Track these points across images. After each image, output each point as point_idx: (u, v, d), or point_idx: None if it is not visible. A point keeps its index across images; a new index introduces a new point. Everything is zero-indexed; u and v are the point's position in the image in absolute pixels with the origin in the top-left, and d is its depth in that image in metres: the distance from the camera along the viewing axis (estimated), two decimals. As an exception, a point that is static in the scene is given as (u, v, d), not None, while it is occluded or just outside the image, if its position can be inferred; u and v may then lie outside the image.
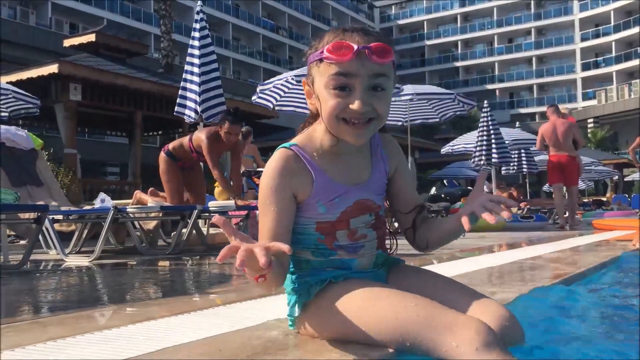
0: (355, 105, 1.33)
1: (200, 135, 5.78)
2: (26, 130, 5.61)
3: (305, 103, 10.32)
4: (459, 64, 60.34)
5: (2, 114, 9.70)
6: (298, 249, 1.45)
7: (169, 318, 1.82)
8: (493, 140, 12.41)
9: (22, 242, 6.85)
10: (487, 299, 1.40)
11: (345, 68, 1.32)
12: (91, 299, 2.62)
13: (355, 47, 1.32)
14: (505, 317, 1.32)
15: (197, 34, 7.35)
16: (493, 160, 12.46)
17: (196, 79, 7.25)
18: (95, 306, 2.29)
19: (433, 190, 14.70)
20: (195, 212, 5.02)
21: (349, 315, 1.32)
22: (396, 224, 1.62)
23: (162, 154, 6.06)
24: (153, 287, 2.97)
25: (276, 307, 1.89)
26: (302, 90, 9.85)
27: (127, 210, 4.84)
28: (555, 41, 56.21)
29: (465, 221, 1.34)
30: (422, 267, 1.63)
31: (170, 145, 6.12)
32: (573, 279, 2.62)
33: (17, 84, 10.10)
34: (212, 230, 7.00)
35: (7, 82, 9.96)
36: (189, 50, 7.42)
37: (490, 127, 12.42)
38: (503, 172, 16.10)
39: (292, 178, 1.40)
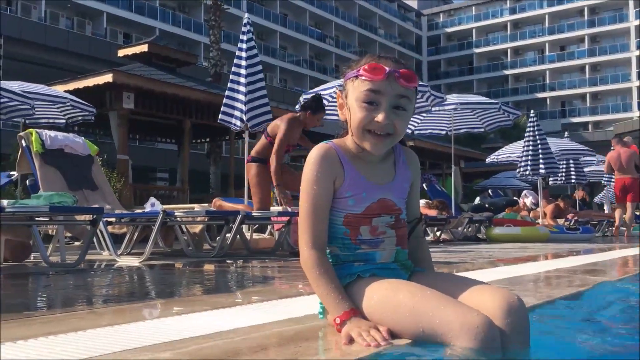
0: (379, 118, 1.56)
1: (278, 122, 5.97)
2: (83, 137, 5.94)
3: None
4: (508, 72, 59.40)
5: (60, 120, 10.23)
6: (327, 244, 1.63)
7: (211, 311, 1.99)
8: (540, 150, 12.23)
9: (77, 243, 7.22)
10: (499, 289, 1.52)
11: (376, 86, 1.56)
12: (140, 294, 2.83)
13: (387, 69, 1.56)
14: (514, 302, 1.45)
15: (244, 45, 7.58)
16: (540, 170, 12.29)
17: (242, 88, 7.48)
18: (144, 300, 2.48)
19: (477, 200, 14.58)
20: (239, 217, 5.22)
21: (372, 304, 1.50)
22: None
23: (250, 163, 6.16)
24: (197, 286, 3.15)
25: (309, 305, 2.03)
26: (346, 99, 10.13)
27: (175, 214, 5.08)
28: (610, 49, 54.70)
29: None
30: (443, 272, 1.75)
31: (253, 152, 6.21)
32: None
33: (74, 92, 10.62)
34: (255, 236, 7.21)
35: (65, 91, 10.50)
36: (235, 61, 7.66)
37: (537, 137, 12.24)
38: (551, 183, 15.81)
39: (332, 165, 1.62)
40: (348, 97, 1.62)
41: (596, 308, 2.26)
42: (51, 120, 10.29)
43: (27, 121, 9.73)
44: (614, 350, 1.55)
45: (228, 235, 5.42)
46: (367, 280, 1.56)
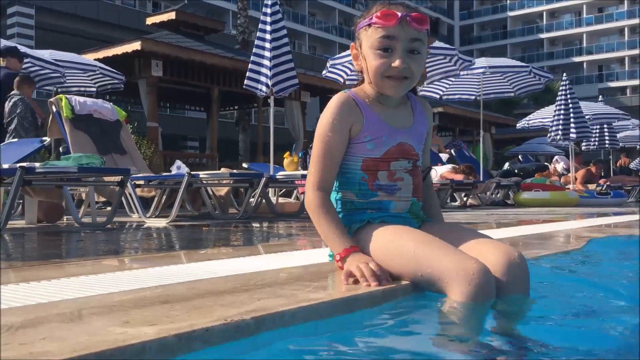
0: (396, 63, 1.60)
1: None
2: (111, 103, 6.07)
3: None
4: (543, 35, 57.71)
5: (91, 88, 10.42)
6: (343, 190, 1.70)
7: (228, 259, 2.07)
8: (571, 115, 12.00)
9: (109, 208, 7.44)
10: (502, 243, 1.57)
11: (389, 32, 1.59)
12: (164, 247, 2.94)
13: (399, 14, 1.58)
14: (514, 256, 1.50)
15: (268, 10, 7.58)
16: (571, 135, 12.08)
17: (267, 54, 7.50)
18: (167, 252, 2.58)
19: (506, 166, 14.39)
20: (263, 180, 5.30)
21: (376, 247, 1.57)
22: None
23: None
24: (219, 241, 3.26)
25: (325, 255, 2.09)
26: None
27: (200, 175, 5.19)
28: (651, 10, 52.60)
29: None
30: (452, 222, 1.79)
31: None
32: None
33: (103, 60, 10.77)
34: (281, 200, 7.32)
35: (95, 59, 10.65)
36: (260, 26, 7.67)
37: (569, 101, 12.00)
38: (583, 148, 15.51)
39: (350, 113, 1.66)
40: (362, 46, 1.65)
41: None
42: (82, 89, 10.47)
43: (58, 89, 9.94)
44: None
45: (252, 199, 5.51)
46: (375, 226, 1.62)
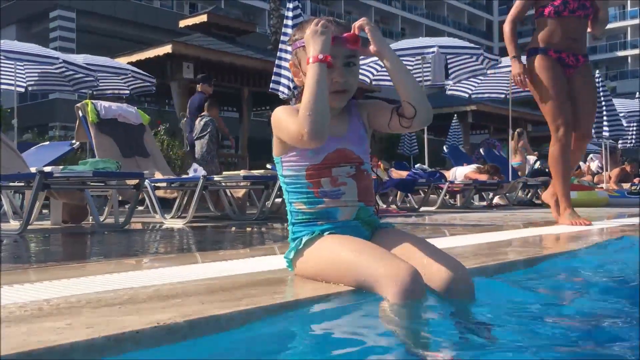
0: (337, 78, 1.74)
1: None
2: (135, 107, 6.31)
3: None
4: (586, 29, 56.25)
5: (124, 91, 10.78)
6: (294, 200, 1.80)
7: (224, 262, 2.21)
8: (604, 112, 11.77)
9: (140, 207, 7.70)
10: (447, 256, 1.66)
11: None
12: (170, 246, 3.10)
13: (333, 35, 1.71)
14: (457, 268, 1.62)
15: (290, 14, 7.70)
16: (603, 133, 11.85)
17: (288, 56, 7.61)
18: (158, 254, 2.74)
19: (537, 165, 14.17)
20: (279, 182, 5.43)
21: (323, 258, 1.71)
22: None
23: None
24: (225, 242, 3.41)
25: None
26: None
27: (215, 179, 5.37)
28: (700, 1, 50.69)
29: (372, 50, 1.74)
30: (404, 231, 1.87)
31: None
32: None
33: (136, 64, 11.12)
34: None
35: (128, 62, 11.01)
36: (284, 29, 7.79)
37: (602, 98, 11.76)
38: (620, 146, 15.14)
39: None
40: (301, 64, 1.77)
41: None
42: (116, 91, 10.85)
43: (94, 92, 10.32)
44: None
45: (268, 201, 5.65)
46: (323, 239, 1.73)
